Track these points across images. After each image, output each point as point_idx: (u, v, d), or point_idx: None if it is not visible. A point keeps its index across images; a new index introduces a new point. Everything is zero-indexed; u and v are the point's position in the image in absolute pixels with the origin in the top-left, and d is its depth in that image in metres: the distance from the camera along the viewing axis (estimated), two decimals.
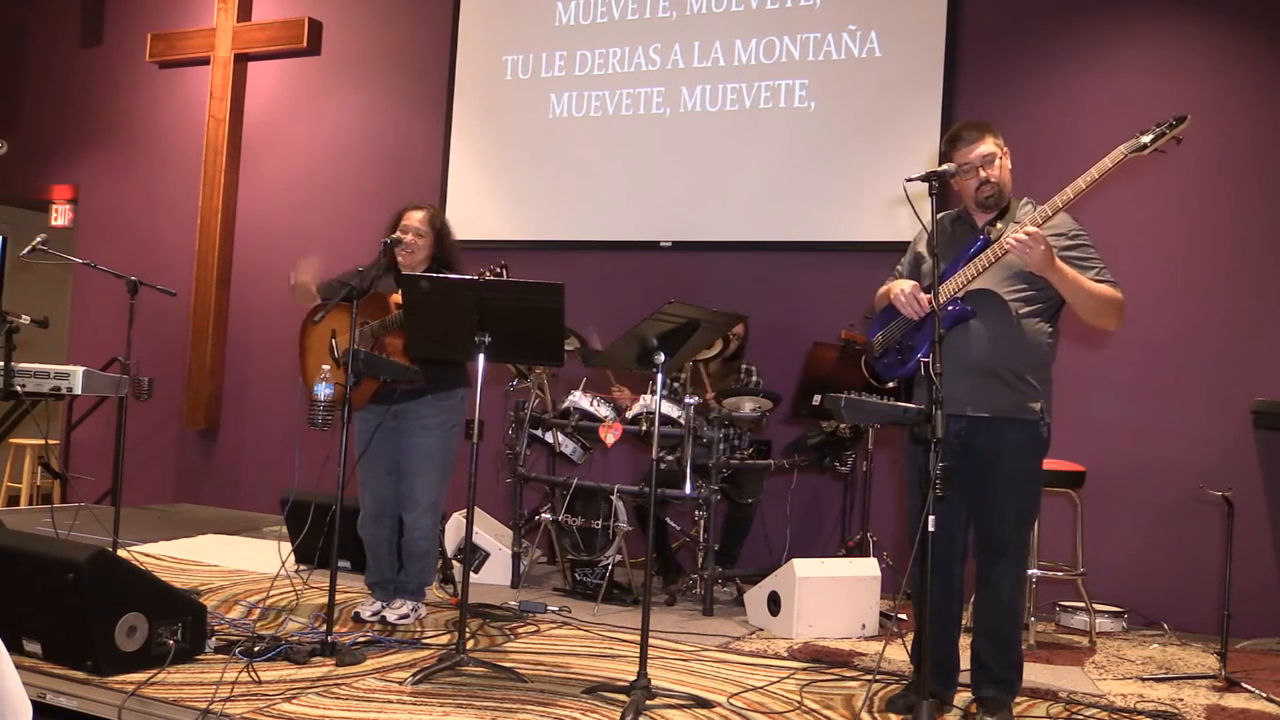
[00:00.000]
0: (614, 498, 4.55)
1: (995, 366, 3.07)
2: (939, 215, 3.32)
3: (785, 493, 5.26)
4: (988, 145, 3.11)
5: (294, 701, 3.00)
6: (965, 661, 3.27)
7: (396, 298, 3.82)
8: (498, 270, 3.67)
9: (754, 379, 5.20)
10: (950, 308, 3.05)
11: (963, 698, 3.29)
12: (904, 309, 3.13)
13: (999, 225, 3.11)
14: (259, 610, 4.07)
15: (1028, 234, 2.90)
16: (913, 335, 3.15)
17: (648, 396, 4.75)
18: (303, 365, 4.10)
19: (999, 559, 3.13)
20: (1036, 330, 3.10)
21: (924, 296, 3.09)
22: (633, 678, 3.17)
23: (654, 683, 3.18)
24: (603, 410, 4.73)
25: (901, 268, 3.38)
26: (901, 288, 3.15)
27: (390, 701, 3.05)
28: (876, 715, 3.21)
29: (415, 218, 4.00)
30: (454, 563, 4.68)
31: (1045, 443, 3.15)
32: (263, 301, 7.08)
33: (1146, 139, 2.93)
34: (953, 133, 3.20)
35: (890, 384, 3.25)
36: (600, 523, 4.58)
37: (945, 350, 3.00)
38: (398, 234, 3.93)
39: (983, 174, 3.11)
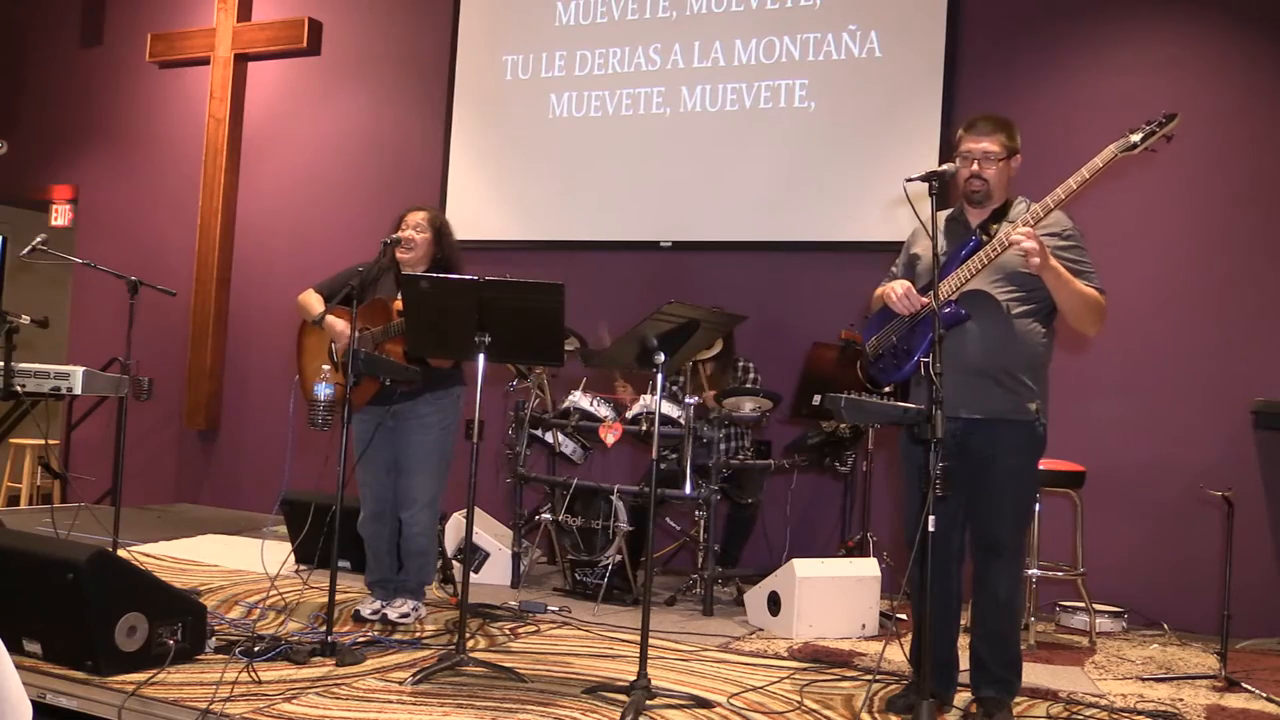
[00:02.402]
0: (614, 498, 4.55)
1: (989, 367, 3.07)
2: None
3: (785, 493, 5.26)
4: (993, 144, 3.10)
5: (294, 701, 3.00)
6: (964, 661, 3.27)
7: (398, 304, 3.83)
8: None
9: (751, 375, 5.20)
10: (944, 311, 3.05)
11: (962, 698, 3.29)
12: (896, 307, 3.13)
13: (993, 227, 3.10)
14: (259, 610, 4.07)
15: (1023, 234, 2.91)
16: (908, 339, 3.14)
17: (648, 396, 4.75)
18: (300, 367, 4.11)
19: (995, 560, 3.13)
20: (1030, 331, 3.10)
21: (917, 296, 3.09)
22: (633, 678, 3.17)
23: (654, 683, 3.18)
24: (603, 410, 4.73)
25: (896, 269, 3.38)
26: (894, 288, 3.15)
27: (390, 701, 3.05)
28: (876, 715, 3.21)
29: (415, 216, 4.04)
30: (454, 563, 4.68)
31: (1041, 443, 3.15)
32: (263, 301, 7.08)
33: (1136, 138, 2.94)
34: (971, 119, 3.18)
35: (887, 388, 3.25)
36: (600, 523, 4.58)
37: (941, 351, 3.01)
38: (397, 234, 3.94)
39: (976, 168, 3.11)
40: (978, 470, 3.10)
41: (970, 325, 3.07)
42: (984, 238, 3.07)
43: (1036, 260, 2.92)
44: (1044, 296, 3.07)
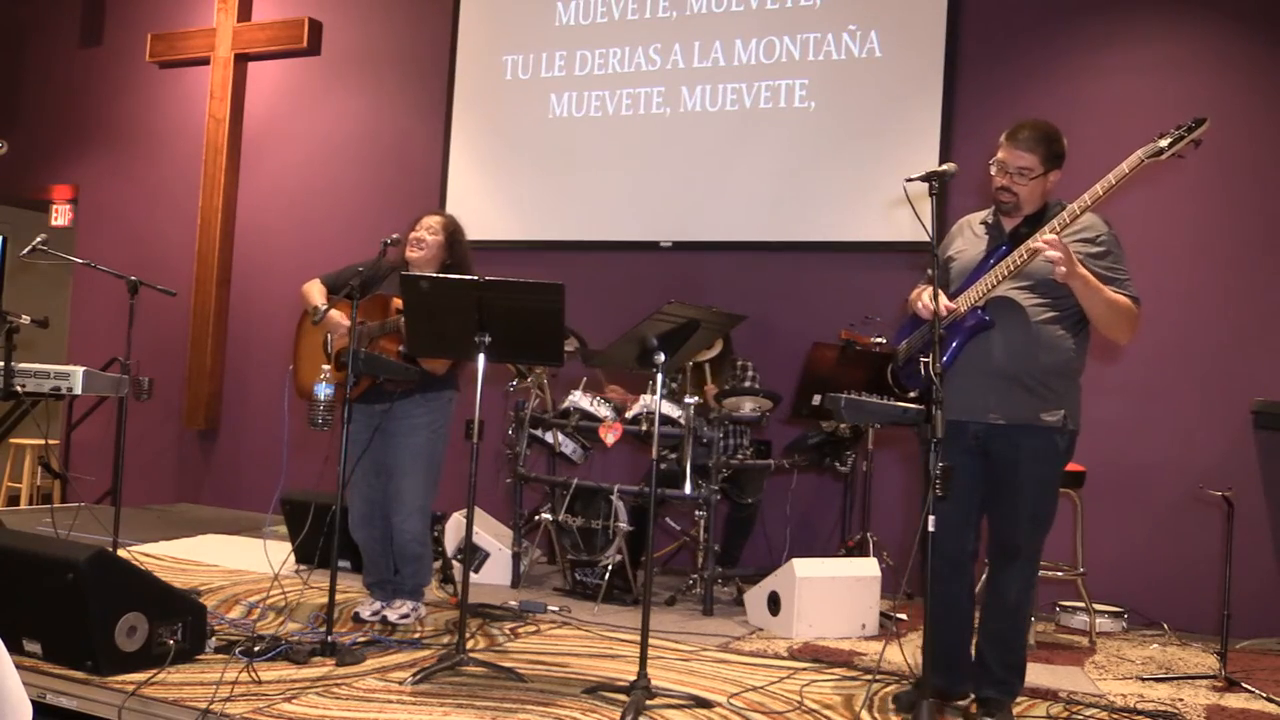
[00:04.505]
0: (614, 498, 4.55)
1: (1014, 372, 3.05)
2: (970, 215, 3.31)
3: (785, 493, 5.26)
4: (1031, 161, 3.04)
5: (294, 701, 3.00)
6: None
7: (398, 301, 3.83)
8: None
9: (750, 373, 5.20)
10: (969, 321, 3.05)
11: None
12: (922, 313, 3.13)
13: (1022, 231, 3.08)
14: (259, 610, 4.07)
15: (1048, 243, 2.89)
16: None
17: (647, 396, 4.74)
18: (296, 366, 4.10)
19: (1010, 563, 3.12)
20: (1058, 337, 3.06)
21: (945, 303, 3.07)
22: (633, 678, 3.17)
23: (654, 683, 3.19)
24: (603, 410, 4.73)
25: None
26: (920, 297, 3.15)
27: (390, 701, 3.06)
28: (876, 715, 3.21)
29: (430, 220, 4.05)
30: (454, 563, 4.68)
31: (1066, 451, 3.12)
32: (263, 301, 7.08)
33: (1164, 143, 2.88)
34: (1016, 126, 3.10)
35: (912, 393, 3.23)
36: (600, 523, 4.58)
37: (966, 356, 3.02)
38: (399, 234, 3.94)
39: (1006, 181, 3.08)
40: (1000, 474, 3.10)
41: (996, 331, 3.05)
42: (1014, 244, 3.05)
43: (1063, 270, 2.89)
44: (1071, 304, 3.03)
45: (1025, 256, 2.97)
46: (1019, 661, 3.17)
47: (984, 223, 3.23)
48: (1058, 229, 2.95)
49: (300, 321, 4.13)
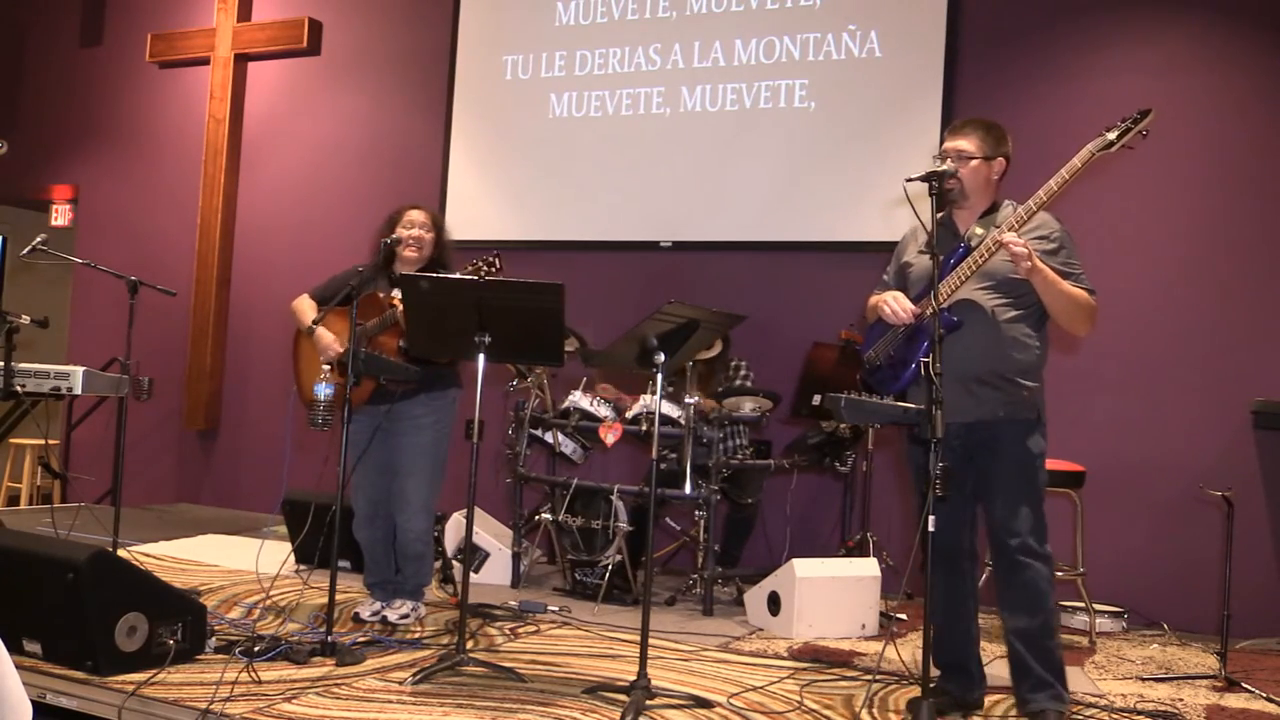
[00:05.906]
0: (614, 498, 4.55)
1: (984, 373, 3.07)
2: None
3: (785, 493, 5.25)
4: (967, 143, 3.12)
5: (294, 701, 3.00)
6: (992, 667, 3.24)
7: (392, 299, 3.83)
8: (490, 260, 3.67)
9: (743, 374, 5.19)
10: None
11: (1006, 705, 3.27)
12: (889, 319, 3.14)
13: (978, 230, 3.10)
14: (259, 610, 4.07)
15: (1011, 238, 2.92)
16: (903, 349, 3.14)
17: (647, 396, 4.74)
18: (296, 374, 4.10)
19: (1016, 557, 3.09)
20: (1023, 335, 3.09)
21: (909, 306, 3.09)
22: (633, 678, 3.17)
23: (654, 683, 3.19)
24: (603, 410, 4.73)
25: (888, 277, 3.38)
26: (886, 300, 3.15)
27: (390, 701, 3.06)
28: (876, 715, 3.21)
29: (419, 215, 4.02)
30: (454, 563, 4.68)
31: (1041, 437, 3.13)
32: (263, 301, 7.08)
33: (1113, 135, 2.97)
34: (959, 120, 3.25)
35: (887, 399, 3.24)
36: (600, 523, 4.58)
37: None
38: (399, 234, 3.93)
39: (950, 165, 3.12)
40: (983, 469, 3.11)
41: (963, 332, 3.06)
42: (971, 243, 3.07)
43: (1026, 265, 2.93)
44: (1033, 300, 3.07)
45: (988, 255, 3.00)
46: (1057, 663, 3.08)
47: (938, 224, 3.24)
48: (1015, 225, 2.98)
49: (296, 334, 4.12)
